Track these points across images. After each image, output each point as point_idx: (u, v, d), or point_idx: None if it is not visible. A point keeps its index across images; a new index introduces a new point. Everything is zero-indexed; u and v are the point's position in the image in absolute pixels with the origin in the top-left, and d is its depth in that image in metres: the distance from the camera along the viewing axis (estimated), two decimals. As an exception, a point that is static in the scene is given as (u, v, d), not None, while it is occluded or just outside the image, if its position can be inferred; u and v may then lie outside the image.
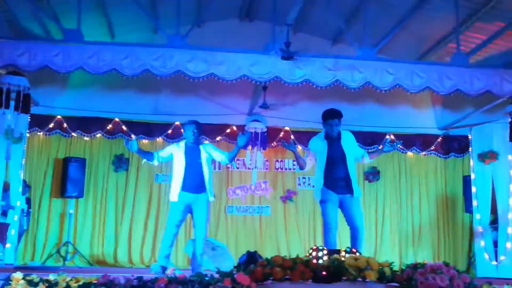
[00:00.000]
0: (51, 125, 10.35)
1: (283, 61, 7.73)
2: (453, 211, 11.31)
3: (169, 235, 6.59)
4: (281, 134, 10.94)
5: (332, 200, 6.21)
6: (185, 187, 6.52)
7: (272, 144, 10.90)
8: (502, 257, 9.22)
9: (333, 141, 6.30)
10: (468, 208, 10.44)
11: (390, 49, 9.69)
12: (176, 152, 6.66)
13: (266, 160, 11.08)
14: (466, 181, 10.51)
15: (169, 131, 10.61)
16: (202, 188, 6.57)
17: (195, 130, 6.61)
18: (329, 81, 8.02)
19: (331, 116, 6.33)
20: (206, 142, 6.95)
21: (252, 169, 10.88)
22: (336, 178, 6.21)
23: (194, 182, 6.53)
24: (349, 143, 6.37)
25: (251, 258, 4.66)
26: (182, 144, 6.72)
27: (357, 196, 6.27)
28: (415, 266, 4.10)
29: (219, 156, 6.71)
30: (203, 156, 6.60)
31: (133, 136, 9.82)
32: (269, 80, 8.25)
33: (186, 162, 6.54)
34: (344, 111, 10.55)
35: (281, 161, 11.24)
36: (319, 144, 6.36)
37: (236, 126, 10.81)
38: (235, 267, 4.18)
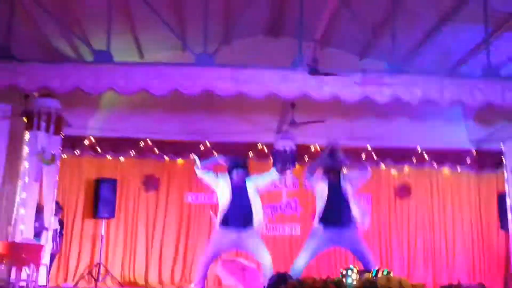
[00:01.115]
0: (83, 146, 10.50)
1: (311, 77, 7.70)
2: (488, 229, 11.07)
3: (208, 261, 6.56)
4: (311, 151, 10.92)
5: None
6: (230, 221, 6.45)
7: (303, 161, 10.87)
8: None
9: None
10: (504, 225, 10.19)
11: (419, 62, 9.61)
12: (223, 185, 6.60)
13: (296, 179, 11.02)
14: (501, 198, 10.27)
15: (199, 150, 10.65)
16: (249, 222, 6.50)
17: (240, 172, 6.58)
18: (357, 96, 7.96)
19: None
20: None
21: (281, 188, 10.82)
22: None
23: (240, 216, 6.46)
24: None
25: (281, 278, 4.61)
26: (227, 178, 6.63)
27: None
28: (449, 287, 4.00)
29: (266, 180, 6.70)
30: (250, 190, 6.55)
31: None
32: (297, 97, 8.24)
33: (232, 197, 6.49)
34: (374, 126, 10.53)
35: (311, 179, 11.16)
36: None
37: (265, 144, 10.79)
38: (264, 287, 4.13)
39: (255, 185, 6.62)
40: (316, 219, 6.60)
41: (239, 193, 6.53)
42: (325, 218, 6.47)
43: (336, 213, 6.44)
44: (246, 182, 6.62)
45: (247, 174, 6.68)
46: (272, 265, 6.49)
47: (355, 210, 6.50)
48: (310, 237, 6.58)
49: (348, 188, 6.60)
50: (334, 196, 6.51)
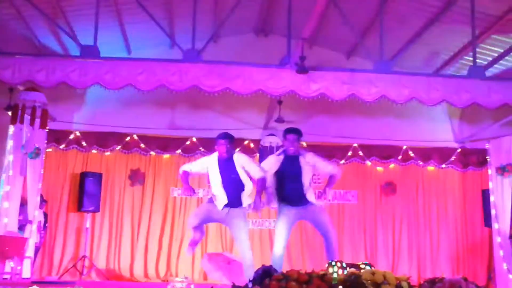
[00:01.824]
0: (68, 140, 10.41)
1: (298, 75, 7.70)
2: (472, 225, 11.16)
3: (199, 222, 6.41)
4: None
5: None
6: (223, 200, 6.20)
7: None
8: (522, 271, 9.08)
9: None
10: (488, 222, 10.31)
11: (406, 62, 9.66)
12: (210, 166, 6.29)
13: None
14: (485, 195, 10.38)
15: (185, 146, 10.64)
16: (238, 202, 6.24)
17: (228, 145, 6.21)
18: (345, 94, 7.98)
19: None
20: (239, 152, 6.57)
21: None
22: None
23: (231, 196, 6.20)
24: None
25: (266, 272, 4.60)
26: (214, 156, 6.32)
27: None
28: (433, 281, 4.04)
29: (255, 172, 6.22)
30: (238, 168, 6.21)
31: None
32: (284, 94, 8.24)
33: (221, 176, 6.20)
34: (360, 124, 10.54)
35: (297, 175, 11.18)
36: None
37: (251, 140, 10.80)
38: (250, 281, 4.14)
39: (240, 164, 6.34)
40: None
41: (228, 169, 6.22)
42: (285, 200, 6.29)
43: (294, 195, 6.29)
44: (233, 159, 6.23)
45: (232, 147, 6.32)
46: (250, 256, 6.31)
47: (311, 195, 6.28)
48: (278, 217, 6.38)
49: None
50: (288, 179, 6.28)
